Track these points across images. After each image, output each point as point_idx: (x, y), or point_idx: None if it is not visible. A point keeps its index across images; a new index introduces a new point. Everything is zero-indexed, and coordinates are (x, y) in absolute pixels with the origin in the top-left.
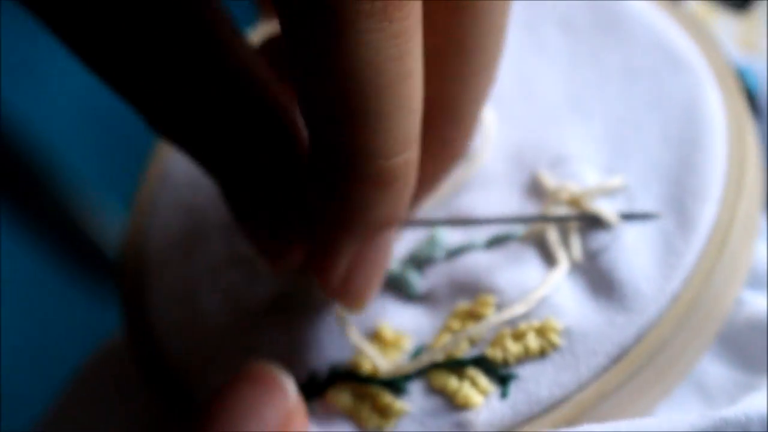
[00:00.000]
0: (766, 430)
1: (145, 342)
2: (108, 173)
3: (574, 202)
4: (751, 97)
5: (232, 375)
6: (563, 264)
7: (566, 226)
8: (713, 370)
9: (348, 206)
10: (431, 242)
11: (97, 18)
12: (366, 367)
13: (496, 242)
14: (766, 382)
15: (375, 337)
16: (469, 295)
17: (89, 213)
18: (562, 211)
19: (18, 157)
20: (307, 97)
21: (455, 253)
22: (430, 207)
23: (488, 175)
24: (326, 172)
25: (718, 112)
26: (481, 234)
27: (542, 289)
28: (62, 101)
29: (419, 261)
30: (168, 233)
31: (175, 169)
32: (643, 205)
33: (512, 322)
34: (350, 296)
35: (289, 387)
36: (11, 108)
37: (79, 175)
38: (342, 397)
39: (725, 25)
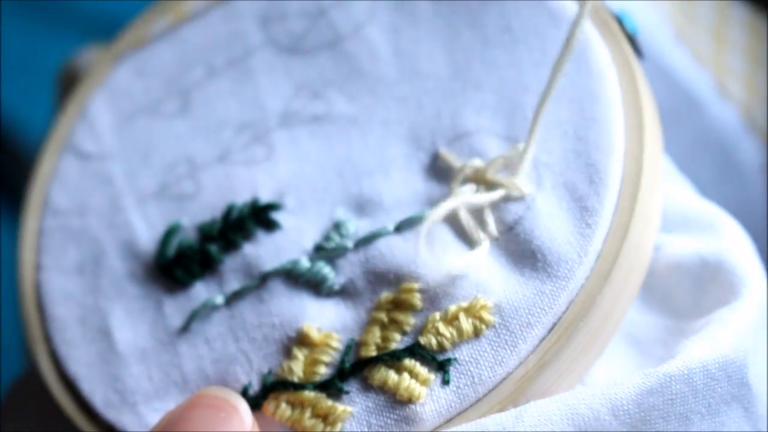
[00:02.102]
0: (707, 379)
1: (58, 380)
2: None
3: (480, 177)
4: (632, 41)
5: (182, 403)
6: (485, 242)
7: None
8: (642, 319)
9: None
10: (337, 231)
11: None
12: (298, 372)
13: (406, 226)
14: (696, 326)
15: (300, 340)
16: (389, 284)
17: None
18: (469, 188)
19: (18, 157)
20: None
21: (365, 241)
22: (329, 193)
23: (387, 159)
24: None
25: (606, 60)
26: (388, 219)
27: (467, 269)
28: None
29: (328, 253)
30: (63, 264)
31: (57, 195)
32: (548, 165)
33: (440, 305)
34: None
35: (243, 409)
36: (11, 108)
37: None
38: (280, 409)
39: None
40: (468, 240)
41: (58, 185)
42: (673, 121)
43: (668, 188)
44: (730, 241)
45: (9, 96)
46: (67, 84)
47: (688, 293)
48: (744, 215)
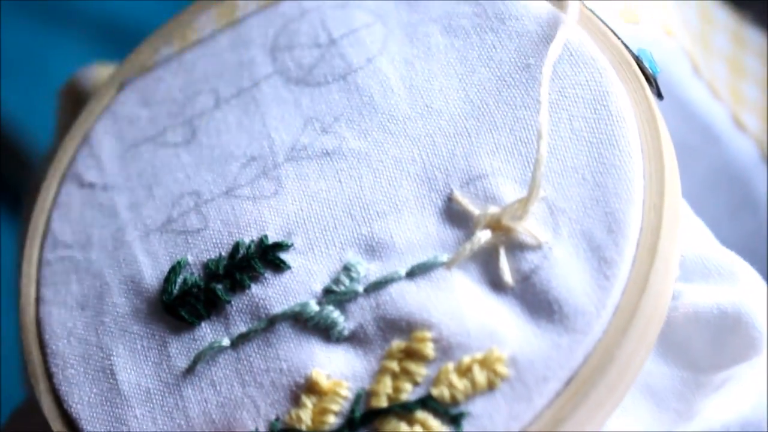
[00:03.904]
0: None
1: (60, 418)
2: None
3: (495, 223)
4: (652, 82)
5: None
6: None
7: (493, 250)
8: (658, 370)
9: None
10: (347, 274)
11: None
12: (307, 420)
13: (418, 271)
14: (714, 380)
15: (309, 387)
16: (401, 332)
17: None
18: (486, 235)
19: (18, 157)
20: None
21: (376, 286)
22: (338, 233)
23: (399, 199)
24: None
25: (625, 104)
26: (399, 262)
27: (483, 319)
28: None
29: (338, 296)
30: (65, 298)
31: (59, 226)
32: (566, 212)
33: (453, 356)
34: None
35: None
36: (11, 108)
37: None
38: None
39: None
40: (482, 287)
41: (61, 216)
42: (690, 155)
43: (686, 235)
44: (750, 292)
45: (9, 97)
46: (68, 100)
47: (707, 345)
48: (760, 248)
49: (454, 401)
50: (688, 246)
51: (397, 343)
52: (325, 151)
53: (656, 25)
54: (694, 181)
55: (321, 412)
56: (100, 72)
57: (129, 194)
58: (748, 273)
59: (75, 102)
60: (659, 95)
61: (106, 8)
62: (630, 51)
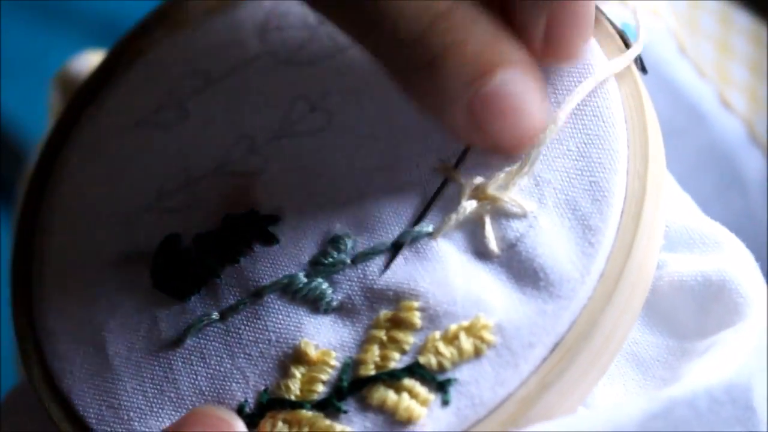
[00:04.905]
0: (712, 403)
1: (51, 395)
2: None
3: (481, 193)
4: (637, 56)
5: (177, 421)
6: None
7: (478, 219)
8: (644, 339)
9: None
10: (334, 246)
11: None
12: (295, 390)
13: (405, 242)
14: (698, 347)
15: (297, 357)
16: (388, 302)
17: None
18: (471, 204)
19: (18, 157)
20: None
21: (364, 257)
22: (327, 207)
23: (385, 172)
24: None
25: (609, 78)
26: (386, 235)
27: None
28: None
29: (326, 268)
30: (55, 278)
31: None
32: (551, 182)
33: (440, 324)
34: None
35: (240, 428)
36: (11, 108)
37: None
38: (276, 428)
39: None
40: (467, 256)
41: (53, 199)
42: (677, 134)
43: (671, 206)
44: (734, 260)
45: (9, 96)
46: (61, 88)
47: (691, 313)
48: (746, 228)
49: (441, 368)
50: (673, 217)
51: (385, 313)
52: (313, 128)
53: (642, 5)
54: (681, 161)
55: (309, 381)
56: (91, 60)
57: (120, 176)
58: (732, 241)
59: (67, 90)
60: (643, 69)
61: (104, 6)
62: (613, 25)
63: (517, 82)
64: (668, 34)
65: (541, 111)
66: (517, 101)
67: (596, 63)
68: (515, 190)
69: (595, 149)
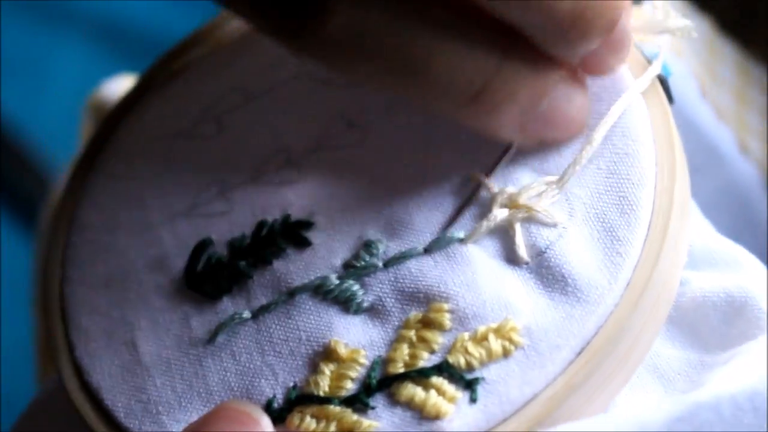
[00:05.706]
0: (735, 409)
1: (80, 389)
2: None
3: (513, 202)
4: (664, 84)
5: (204, 416)
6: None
7: (509, 227)
8: (666, 352)
9: None
10: (367, 250)
11: None
12: (324, 386)
13: (436, 247)
14: (719, 360)
15: (327, 354)
16: (419, 304)
17: None
18: (502, 212)
19: (18, 157)
20: None
21: (395, 261)
22: (359, 213)
23: (419, 181)
24: None
25: (637, 99)
26: (418, 240)
27: (498, 291)
28: (62, 101)
29: (358, 271)
30: (90, 277)
31: (85, 212)
32: (581, 197)
33: (469, 326)
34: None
35: (265, 422)
36: (11, 108)
37: None
38: (304, 423)
39: None
40: (498, 261)
41: (87, 203)
42: (696, 170)
43: (694, 227)
44: (755, 278)
45: (9, 96)
46: (93, 112)
47: (714, 327)
48: None
49: (470, 367)
50: (696, 237)
51: (415, 314)
52: (349, 143)
53: (667, 44)
54: (698, 200)
55: (338, 378)
56: (123, 84)
57: (155, 183)
58: (752, 261)
59: (99, 113)
60: (669, 98)
61: (106, 9)
62: (642, 53)
63: (560, 99)
64: (691, 75)
65: (584, 107)
66: (564, 111)
67: (626, 86)
68: (546, 201)
69: (624, 166)
